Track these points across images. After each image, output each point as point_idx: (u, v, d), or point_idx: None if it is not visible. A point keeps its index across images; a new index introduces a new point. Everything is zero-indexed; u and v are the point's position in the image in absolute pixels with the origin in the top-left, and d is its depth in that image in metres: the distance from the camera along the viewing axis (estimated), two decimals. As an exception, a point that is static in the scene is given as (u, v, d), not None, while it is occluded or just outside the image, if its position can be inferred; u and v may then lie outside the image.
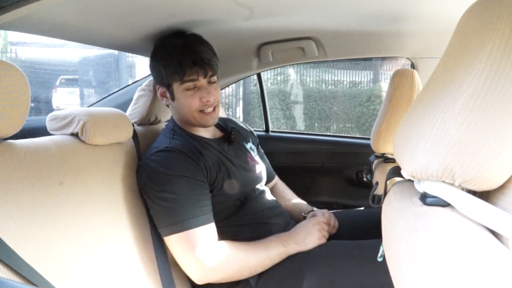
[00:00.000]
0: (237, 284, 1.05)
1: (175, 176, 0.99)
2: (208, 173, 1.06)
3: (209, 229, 1.00)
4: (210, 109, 1.11)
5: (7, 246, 0.63)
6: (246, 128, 1.40)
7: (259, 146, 1.42)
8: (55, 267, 0.72)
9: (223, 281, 1.01)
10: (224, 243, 1.01)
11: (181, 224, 0.96)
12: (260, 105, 2.00)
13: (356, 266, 0.98)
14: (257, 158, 1.29)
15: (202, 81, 1.09)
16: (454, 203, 0.43)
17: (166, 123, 1.24)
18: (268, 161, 1.43)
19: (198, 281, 0.99)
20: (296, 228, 1.14)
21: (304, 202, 1.38)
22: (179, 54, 1.05)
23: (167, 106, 1.19)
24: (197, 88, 1.09)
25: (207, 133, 1.20)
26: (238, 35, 1.24)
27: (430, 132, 0.43)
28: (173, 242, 0.98)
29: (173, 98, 1.11)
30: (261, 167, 1.28)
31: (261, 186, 1.25)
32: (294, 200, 1.39)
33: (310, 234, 1.10)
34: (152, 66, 1.14)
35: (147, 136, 1.23)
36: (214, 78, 1.12)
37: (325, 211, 1.26)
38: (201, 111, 1.10)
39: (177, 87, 1.08)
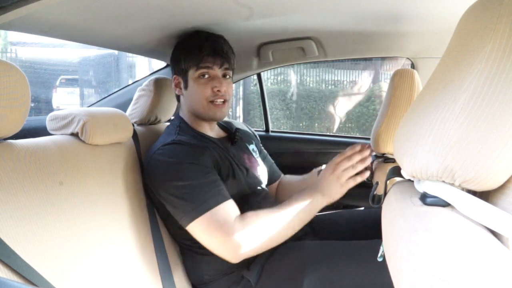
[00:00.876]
0: (237, 284, 1.05)
1: (185, 164, 0.98)
2: (215, 165, 1.06)
3: (230, 205, 0.97)
4: (220, 101, 1.12)
5: (7, 246, 0.63)
6: (249, 130, 1.41)
7: (262, 148, 1.42)
8: (55, 267, 0.72)
9: (257, 253, 0.97)
10: (246, 214, 0.97)
11: (201, 207, 0.93)
12: (260, 105, 2.00)
13: (356, 266, 0.98)
14: (259, 160, 1.30)
15: (217, 71, 1.12)
16: (454, 203, 0.43)
17: (167, 123, 1.25)
18: (273, 161, 1.43)
19: (232, 259, 0.95)
20: (320, 180, 1.01)
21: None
22: (201, 42, 1.11)
23: (178, 100, 1.22)
24: (211, 78, 1.12)
25: (212, 132, 1.21)
26: (238, 35, 1.24)
27: (430, 132, 0.43)
28: (197, 227, 0.94)
29: (186, 87, 1.14)
30: (262, 169, 1.28)
31: (262, 188, 1.26)
32: (303, 176, 1.33)
33: (330, 186, 0.99)
34: (173, 57, 1.18)
35: (147, 136, 1.23)
36: (229, 73, 1.16)
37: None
38: (211, 102, 1.12)
39: (192, 74, 1.12)
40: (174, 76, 1.18)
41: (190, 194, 0.96)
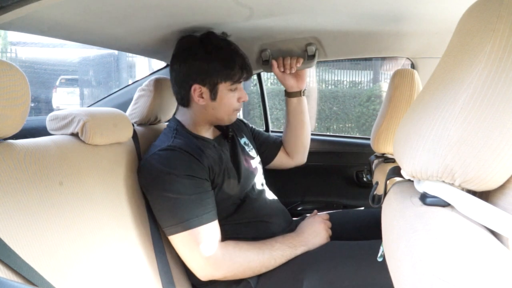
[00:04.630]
0: (237, 285, 1.05)
1: (178, 176, 0.99)
2: (211, 172, 1.07)
3: (213, 227, 1.01)
4: (240, 107, 1.19)
5: (7, 246, 0.63)
6: (235, 121, 1.41)
7: (253, 129, 1.46)
8: (55, 267, 0.72)
9: (226, 279, 1.02)
10: (229, 242, 1.02)
11: (185, 223, 0.97)
12: (260, 105, 1.99)
13: (356, 266, 0.98)
14: (251, 152, 1.32)
15: (241, 84, 1.18)
16: (454, 203, 0.43)
17: (167, 123, 1.25)
18: (268, 134, 1.50)
19: (202, 277, 1.01)
20: (302, 228, 1.14)
21: None
22: (239, 58, 1.13)
23: (185, 106, 1.17)
24: (236, 90, 1.16)
25: (209, 133, 1.21)
26: (238, 35, 1.24)
27: (430, 132, 0.43)
28: (177, 241, 0.99)
29: (214, 98, 1.13)
30: (256, 162, 1.30)
31: (260, 185, 1.26)
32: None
33: (318, 234, 1.11)
34: (197, 65, 1.09)
35: (147, 136, 1.23)
36: None
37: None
38: (235, 109, 1.18)
39: (224, 87, 1.12)
40: (196, 85, 1.11)
41: (176, 208, 0.98)
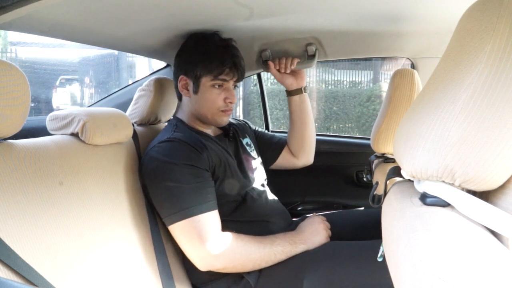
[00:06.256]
0: (237, 284, 1.05)
1: (178, 165, 0.99)
2: (211, 163, 1.07)
3: (213, 216, 1.00)
4: (228, 108, 1.16)
5: (7, 246, 0.63)
6: (240, 122, 1.42)
7: (257, 130, 1.46)
8: (55, 267, 0.72)
9: (225, 270, 1.01)
10: (230, 234, 1.02)
11: (185, 212, 0.97)
12: (260, 105, 1.99)
13: (356, 266, 0.98)
14: (253, 153, 1.32)
15: (230, 83, 1.15)
16: (454, 203, 0.43)
17: (167, 122, 1.25)
18: (273, 134, 1.50)
19: (201, 267, 1.00)
20: (302, 227, 1.14)
21: None
22: (223, 52, 1.11)
23: (179, 99, 1.23)
24: (223, 89, 1.14)
25: (210, 130, 1.22)
26: (238, 35, 1.24)
27: (430, 132, 0.43)
28: (177, 230, 0.99)
29: (196, 91, 1.14)
30: (257, 163, 1.30)
31: (261, 185, 1.26)
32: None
33: (318, 234, 1.12)
34: (184, 57, 1.16)
35: (147, 136, 1.23)
36: (237, 84, 1.19)
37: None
38: (221, 110, 1.15)
39: (206, 81, 1.12)
40: (182, 76, 1.15)
41: (177, 196, 0.98)
